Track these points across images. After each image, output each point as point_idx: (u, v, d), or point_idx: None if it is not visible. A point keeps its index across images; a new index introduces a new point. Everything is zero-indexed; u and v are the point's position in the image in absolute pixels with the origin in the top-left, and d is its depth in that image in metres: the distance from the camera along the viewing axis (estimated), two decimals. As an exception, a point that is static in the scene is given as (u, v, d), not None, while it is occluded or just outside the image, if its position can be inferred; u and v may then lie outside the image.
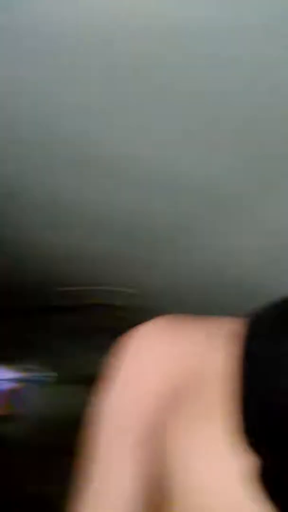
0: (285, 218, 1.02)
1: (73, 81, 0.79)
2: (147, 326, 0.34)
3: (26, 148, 0.98)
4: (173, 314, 0.35)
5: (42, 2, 0.66)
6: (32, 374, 1.78)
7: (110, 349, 0.36)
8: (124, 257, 1.37)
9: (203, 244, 1.22)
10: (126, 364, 0.34)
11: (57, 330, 1.75)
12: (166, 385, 0.33)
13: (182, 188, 1.03)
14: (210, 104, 0.80)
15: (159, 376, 0.33)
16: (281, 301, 0.34)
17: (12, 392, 1.77)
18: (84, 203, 1.17)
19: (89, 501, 0.32)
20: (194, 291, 1.42)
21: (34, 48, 0.72)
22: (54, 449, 1.53)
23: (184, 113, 0.83)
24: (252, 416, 0.29)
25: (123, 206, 1.12)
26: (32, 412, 1.74)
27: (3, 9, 0.67)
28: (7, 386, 1.75)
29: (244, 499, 0.28)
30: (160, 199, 1.08)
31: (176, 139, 0.88)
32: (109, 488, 0.32)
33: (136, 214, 1.16)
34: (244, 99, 0.79)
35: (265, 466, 0.27)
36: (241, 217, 1.10)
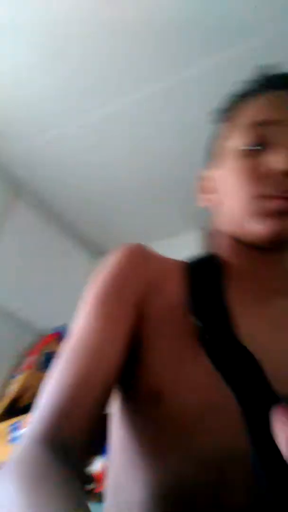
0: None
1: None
2: (128, 245, 0.52)
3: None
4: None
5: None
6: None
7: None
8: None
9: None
10: (117, 259, 0.50)
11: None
12: (142, 279, 0.49)
13: None
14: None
15: (137, 273, 0.49)
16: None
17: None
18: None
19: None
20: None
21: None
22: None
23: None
24: (194, 306, 0.45)
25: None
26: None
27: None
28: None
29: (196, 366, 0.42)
30: None
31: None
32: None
33: None
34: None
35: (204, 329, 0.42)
36: None
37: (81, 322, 0.46)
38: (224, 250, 0.55)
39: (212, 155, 0.61)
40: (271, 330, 0.47)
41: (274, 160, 0.48)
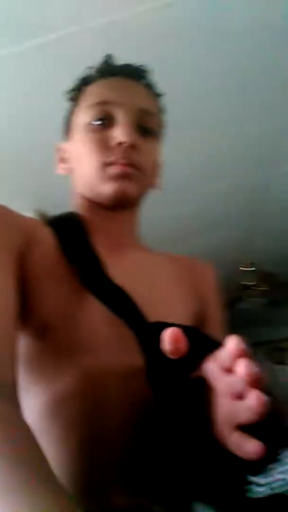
0: None
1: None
2: None
3: None
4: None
5: None
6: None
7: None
8: None
9: None
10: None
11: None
12: (20, 231, 0.55)
13: None
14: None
15: (15, 226, 0.54)
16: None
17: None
18: None
19: None
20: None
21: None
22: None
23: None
24: (69, 253, 0.54)
25: None
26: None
27: None
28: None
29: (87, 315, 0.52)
30: None
31: None
32: None
33: None
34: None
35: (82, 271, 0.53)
36: None
37: None
38: (81, 209, 0.66)
39: (65, 130, 0.70)
40: (128, 277, 0.56)
41: (117, 134, 0.60)
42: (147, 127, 0.63)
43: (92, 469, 0.41)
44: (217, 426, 0.36)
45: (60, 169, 0.70)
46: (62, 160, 0.71)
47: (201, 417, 0.37)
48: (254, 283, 3.98)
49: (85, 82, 0.68)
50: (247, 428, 0.33)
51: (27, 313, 0.51)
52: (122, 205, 0.63)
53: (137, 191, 0.62)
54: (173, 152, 2.20)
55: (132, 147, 0.60)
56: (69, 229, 0.60)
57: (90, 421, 0.47)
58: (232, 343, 0.35)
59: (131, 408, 0.47)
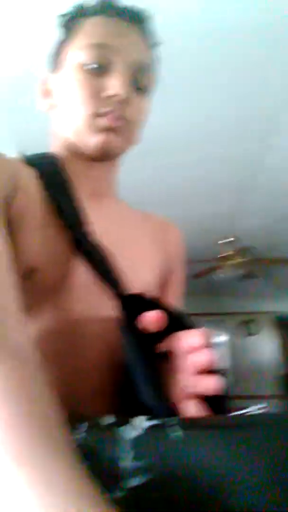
0: None
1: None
2: None
3: None
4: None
5: None
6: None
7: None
8: None
9: None
10: None
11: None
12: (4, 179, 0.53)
13: None
14: None
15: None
16: None
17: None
18: None
19: None
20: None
21: None
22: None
23: None
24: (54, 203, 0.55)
25: None
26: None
27: None
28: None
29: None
30: None
31: None
32: None
33: None
34: None
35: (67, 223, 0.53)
36: None
37: None
38: (62, 152, 0.63)
39: (54, 60, 0.64)
40: (107, 229, 0.59)
41: (111, 85, 0.57)
42: (142, 82, 0.61)
43: (69, 397, 0.43)
44: (173, 391, 0.45)
45: (43, 104, 0.65)
46: (46, 93, 0.65)
47: (158, 379, 0.45)
48: (232, 254, 4.04)
49: (82, 13, 0.62)
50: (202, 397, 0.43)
51: (15, 255, 0.51)
52: (106, 157, 0.61)
53: (123, 145, 0.61)
54: (165, 115, 2.17)
55: (126, 101, 0.58)
56: (53, 175, 0.59)
57: (68, 356, 0.51)
58: (201, 335, 0.44)
59: (106, 347, 0.52)
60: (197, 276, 4.60)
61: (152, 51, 0.64)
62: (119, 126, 0.58)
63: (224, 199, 3.27)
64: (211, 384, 0.42)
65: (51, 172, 0.59)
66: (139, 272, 0.60)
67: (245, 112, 2.20)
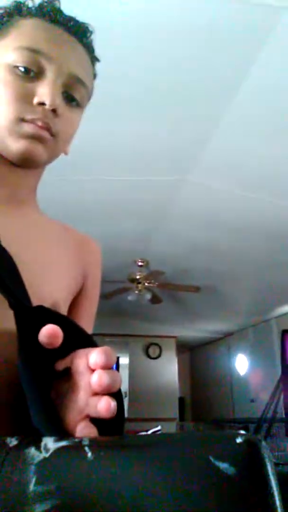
0: None
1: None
2: None
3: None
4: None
5: None
6: None
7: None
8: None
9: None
10: None
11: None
12: None
13: None
14: None
15: None
16: None
17: None
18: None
19: None
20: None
21: None
22: None
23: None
24: None
25: None
26: None
27: None
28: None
29: None
30: None
31: None
32: None
33: None
34: None
35: None
36: None
37: None
38: None
39: None
40: (22, 238, 0.57)
41: (41, 93, 0.55)
42: (74, 95, 0.60)
43: None
44: (70, 411, 0.42)
45: None
46: None
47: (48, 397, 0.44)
48: (142, 277, 4.13)
49: (19, 10, 0.60)
50: (93, 419, 0.41)
51: None
52: (27, 164, 0.59)
53: (47, 156, 0.59)
54: (86, 130, 2.19)
55: (54, 111, 0.56)
56: None
57: None
58: (102, 355, 0.41)
59: (2, 362, 0.49)
60: (105, 296, 4.60)
61: (90, 66, 0.63)
62: (44, 136, 0.56)
63: (141, 222, 3.36)
64: (104, 406, 0.40)
65: None
66: (51, 282, 0.58)
67: (162, 147, 2.31)
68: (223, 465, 0.29)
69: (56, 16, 0.59)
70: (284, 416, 5.08)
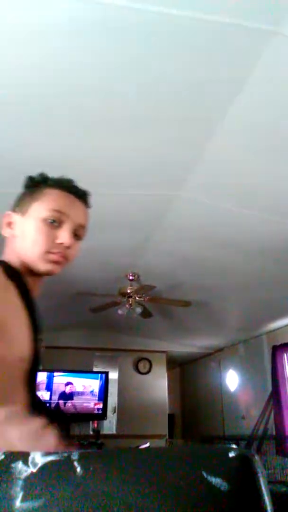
0: None
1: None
2: None
3: None
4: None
5: None
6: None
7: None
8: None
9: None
10: None
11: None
12: None
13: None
14: None
15: None
16: None
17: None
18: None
19: None
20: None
21: None
22: None
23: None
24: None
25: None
26: None
27: None
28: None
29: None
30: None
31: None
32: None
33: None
34: None
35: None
36: None
37: None
38: (17, 264, 0.92)
39: (20, 205, 0.96)
40: None
41: (60, 236, 0.91)
42: (79, 234, 0.96)
43: None
44: None
45: (6, 232, 0.95)
46: (9, 225, 0.95)
47: None
48: (132, 291, 4.11)
49: (47, 184, 0.96)
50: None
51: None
52: (46, 276, 0.94)
53: (59, 271, 0.93)
54: (79, 146, 2.21)
55: (69, 247, 0.92)
56: (23, 285, 0.87)
57: None
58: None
59: None
60: (95, 310, 4.57)
61: (87, 214, 0.99)
62: (62, 261, 0.92)
63: (132, 236, 3.36)
64: None
65: (22, 284, 0.86)
66: None
67: (155, 162, 2.33)
68: (216, 480, 0.28)
69: (69, 187, 0.96)
70: (274, 433, 5.03)
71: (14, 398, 0.79)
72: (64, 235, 0.91)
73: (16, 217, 0.95)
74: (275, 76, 1.74)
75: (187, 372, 8.29)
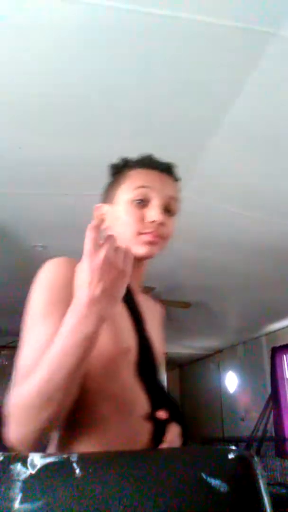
0: None
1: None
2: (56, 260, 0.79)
3: None
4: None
5: None
6: None
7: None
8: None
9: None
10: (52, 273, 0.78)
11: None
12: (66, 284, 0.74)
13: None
14: None
15: (63, 280, 0.76)
16: None
17: None
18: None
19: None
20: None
21: None
22: None
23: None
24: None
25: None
26: None
27: None
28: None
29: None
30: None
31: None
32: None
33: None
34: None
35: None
36: None
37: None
38: None
39: (107, 196, 0.94)
40: (151, 323, 0.87)
41: (149, 214, 0.85)
42: (171, 209, 0.89)
43: None
44: None
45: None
46: (101, 217, 0.93)
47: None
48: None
49: (128, 166, 0.93)
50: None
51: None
52: (145, 259, 0.89)
53: (158, 252, 0.88)
54: (84, 147, 2.21)
55: (161, 224, 0.85)
56: None
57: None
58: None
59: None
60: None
61: (177, 186, 0.94)
62: (157, 241, 0.85)
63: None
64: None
65: None
66: (160, 352, 0.87)
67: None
68: (215, 482, 0.28)
69: (152, 163, 0.92)
70: (273, 434, 5.03)
71: (121, 389, 0.75)
72: (153, 212, 0.85)
73: (106, 208, 0.92)
74: (275, 77, 1.74)
75: (186, 373, 8.28)
